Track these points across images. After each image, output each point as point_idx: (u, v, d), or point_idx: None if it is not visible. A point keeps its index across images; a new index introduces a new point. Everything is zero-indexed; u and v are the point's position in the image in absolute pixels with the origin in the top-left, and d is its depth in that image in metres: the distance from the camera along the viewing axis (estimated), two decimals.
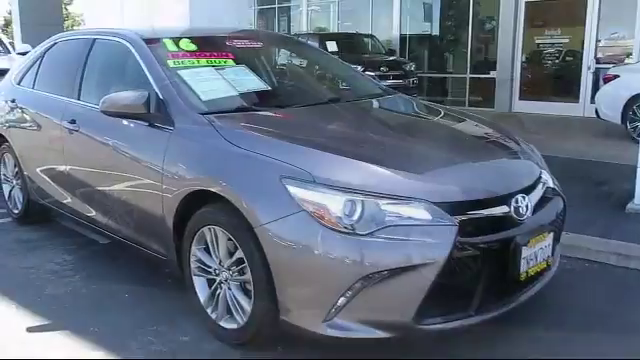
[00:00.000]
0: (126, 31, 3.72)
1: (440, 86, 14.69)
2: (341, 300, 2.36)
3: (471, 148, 3.04)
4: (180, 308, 3.19)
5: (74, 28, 32.25)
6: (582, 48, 11.71)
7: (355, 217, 2.37)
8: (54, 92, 4.14)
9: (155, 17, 20.86)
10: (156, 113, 3.12)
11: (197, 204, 2.86)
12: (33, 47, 9.38)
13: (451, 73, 14.70)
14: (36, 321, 3.17)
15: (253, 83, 3.44)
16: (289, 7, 18.20)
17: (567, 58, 12.27)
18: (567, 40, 12.19)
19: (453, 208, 2.45)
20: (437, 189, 2.50)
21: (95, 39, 3.95)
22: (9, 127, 4.62)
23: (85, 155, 3.68)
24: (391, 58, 12.93)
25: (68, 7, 34.80)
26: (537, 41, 12.59)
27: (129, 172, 3.26)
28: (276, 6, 18.17)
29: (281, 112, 3.23)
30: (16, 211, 4.85)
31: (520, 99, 12.64)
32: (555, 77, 12.42)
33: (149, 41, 3.56)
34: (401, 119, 3.60)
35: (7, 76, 5.05)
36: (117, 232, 3.55)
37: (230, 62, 3.57)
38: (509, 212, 2.57)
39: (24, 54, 8.60)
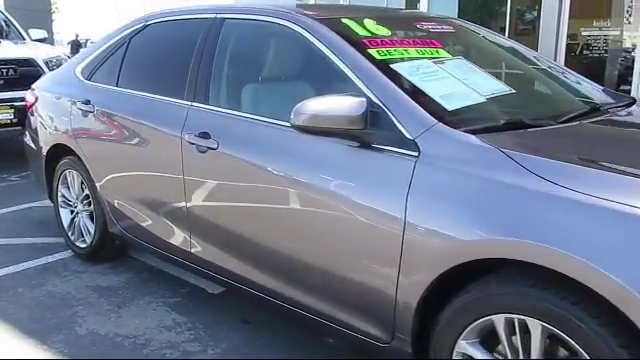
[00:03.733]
0: (283, 9, 2.63)
1: None
2: None
3: None
4: None
5: None
6: (635, 41, 10.90)
7: None
8: (158, 93, 3.03)
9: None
10: (373, 129, 2.07)
11: (470, 274, 1.84)
12: (48, 33, 8.18)
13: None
14: None
15: (491, 84, 2.40)
16: None
17: (617, 52, 11.44)
18: (617, 32, 11.35)
19: None
20: None
21: (224, 19, 2.84)
22: (79, 137, 3.47)
23: (230, 184, 2.58)
24: None
25: None
26: (583, 33, 11.72)
27: (322, 216, 2.20)
28: None
29: (564, 131, 2.18)
30: (83, 245, 3.71)
31: None
32: (603, 72, 11.57)
33: (326, 22, 2.48)
34: None
35: (65, 69, 3.90)
36: (268, 291, 2.49)
37: (443, 53, 2.52)
38: None
39: (42, 41, 7.41)
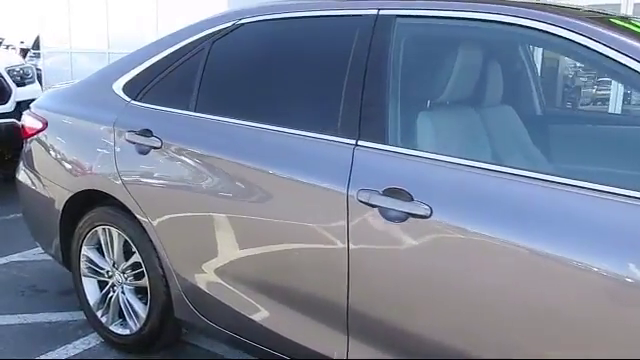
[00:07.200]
0: (510, 4, 1.76)
1: None
2: None
3: None
4: None
5: None
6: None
7: None
8: (280, 124, 2.06)
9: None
10: None
11: None
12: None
13: None
14: None
15: None
16: None
17: (599, 80, 11.25)
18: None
19: None
20: None
21: (395, 17, 1.91)
22: (131, 182, 2.42)
23: (458, 274, 1.66)
24: None
25: None
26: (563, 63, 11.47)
27: None
28: None
29: None
30: (122, 332, 2.64)
31: None
32: (585, 99, 11.36)
33: (605, 23, 1.63)
34: None
35: (92, 84, 2.81)
36: None
37: None
38: None
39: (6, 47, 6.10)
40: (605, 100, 9.45)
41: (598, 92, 9.59)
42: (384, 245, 1.76)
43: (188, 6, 6.93)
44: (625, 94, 9.28)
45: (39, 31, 10.06)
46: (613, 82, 9.83)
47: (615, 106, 9.49)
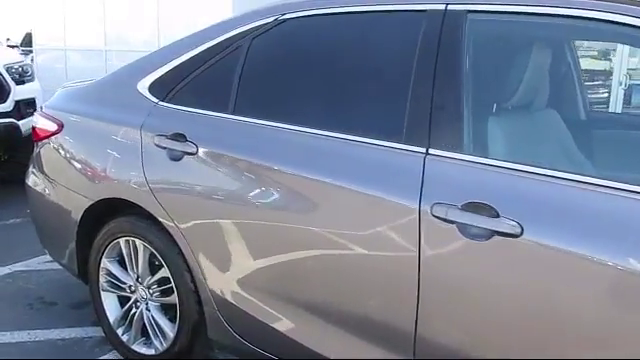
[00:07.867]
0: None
1: None
2: None
3: None
4: None
5: None
6: (612, 61, 10.66)
7: None
8: (332, 129, 1.88)
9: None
10: None
11: None
12: None
13: None
14: None
15: None
16: None
17: (594, 72, 11.18)
18: (595, 52, 11.10)
19: None
20: None
21: (466, 13, 1.74)
22: (161, 190, 2.23)
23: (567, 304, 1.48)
24: None
25: None
26: None
27: None
28: None
29: None
30: (147, 351, 2.44)
31: None
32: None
33: None
34: None
35: (113, 83, 2.61)
36: None
37: None
38: None
39: None
40: (599, 104, 9.33)
41: (592, 96, 9.51)
42: (463, 266, 1.58)
43: (191, 3, 6.70)
44: (624, 98, 9.19)
45: (32, 27, 9.73)
46: (613, 86, 9.73)
47: (615, 109, 9.37)
